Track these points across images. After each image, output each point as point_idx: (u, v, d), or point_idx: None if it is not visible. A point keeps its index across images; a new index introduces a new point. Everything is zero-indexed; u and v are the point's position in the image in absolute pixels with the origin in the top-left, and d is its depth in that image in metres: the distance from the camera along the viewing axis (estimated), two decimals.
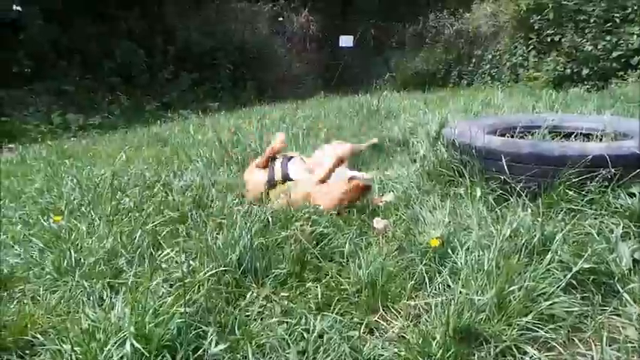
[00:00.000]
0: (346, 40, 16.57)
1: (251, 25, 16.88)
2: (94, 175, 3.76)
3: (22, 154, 5.35)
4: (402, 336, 1.55)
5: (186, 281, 1.72)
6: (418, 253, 2.01)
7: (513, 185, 2.53)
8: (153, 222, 2.39)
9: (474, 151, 2.78)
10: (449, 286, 1.74)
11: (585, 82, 9.66)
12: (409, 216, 2.45)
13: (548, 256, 1.73)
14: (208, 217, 2.45)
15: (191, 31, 15.29)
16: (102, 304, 1.80)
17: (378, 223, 2.31)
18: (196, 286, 1.75)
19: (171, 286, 1.81)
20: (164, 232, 2.29)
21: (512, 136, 3.16)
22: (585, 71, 9.92)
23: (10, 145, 9.28)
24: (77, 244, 2.26)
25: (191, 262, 2.01)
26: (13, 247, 2.36)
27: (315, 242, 2.08)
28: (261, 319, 1.67)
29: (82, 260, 2.10)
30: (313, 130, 4.79)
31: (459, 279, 1.71)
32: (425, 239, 2.13)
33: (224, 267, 1.87)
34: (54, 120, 11.71)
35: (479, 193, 2.44)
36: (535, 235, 1.91)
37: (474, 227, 2.23)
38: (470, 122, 3.42)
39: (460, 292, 1.61)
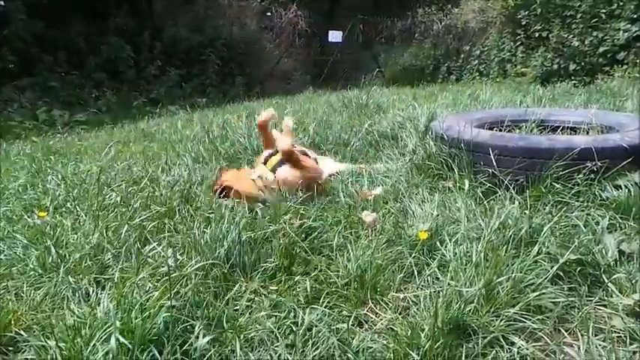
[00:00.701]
0: (335, 36, 16.56)
1: (239, 21, 16.78)
2: (79, 170, 3.71)
3: (6, 150, 5.26)
4: (391, 328, 1.55)
5: (173, 275, 1.70)
6: (407, 246, 2.01)
7: (501, 178, 2.54)
8: (140, 217, 2.36)
9: (462, 144, 2.79)
10: (437, 278, 1.74)
11: (572, 78, 9.73)
12: (398, 209, 2.45)
13: (536, 248, 1.74)
14: (196, 211, 2.43)
15: (179, 26, 15.15)
16: (88, 300, 1.78)
17: (367, 216, 2.31)
18: (184, 280, 1.74)
19: (158, 280, 1.79)
20: (151, 227, 2.26)
21: (500, 130, 3.17)
22: (572, 66, 10.01)
23: None
24: (62, 240, 2.23)
25: (178, 256, 1.99)
26: None
27: (303, 236, 2.07)
28: (250, 313, 1.66)
29: (68, 256, 2.07)
30: (302, 124, 4.77)
31: (447, 271, 1.72)
32: (414, 232, 2.14)
33: (212, 261, 1.85)
34: (39, 116, 11.56)
35: (467, 186, 2.45)
36: (523, 228, 1.92)
37: (462, 220, 2.24)
38: (458, 116, 3.43)
39: (449, 284, 1.61)
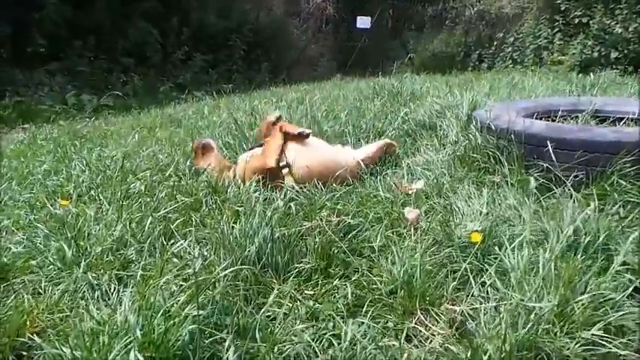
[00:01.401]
0: (363, 22, 16.17)
1: (266, 6, 16.54)
2: (104, 156, 3.60)
3: (34, 133, 5.22)
4: (447, 347, 1.36)
5: (200, 278, 1.54)
6: (457, 249, 1.80)
7: (558, 174, 2.30)
8: (165, 208, 2.21)
9: (512, 135, 2.55)
10: (497, 289, 1.53)
11: (614, 66, 9.23)
12: (442, 206, 2.24)
13: (620, 258, 1.50)
14: (224, 203, 2.27)
15: (206, 11, 15.02)
16: (108, 299, 1.64)
17: (410, 212, 2.11)
18: (211, 283, 1.58)
19: (184, 280, 1.63)
20: (176, 219, 2.11)
21: (553, 121, 2.91)
22: (614, 54, 9.50)
23: (24, 125, 9.22)
24: (84, 231, 2.10)
25: (205, 252, 1.83)
26: (15, 232, 2.21)
27: (342, 234, 1.88)
28: (284, 322, 1.48)
29: (89, 249, 1.94)
30: (332, 112, 4.56)
31: (508, 281, 1.50)
32: (462, 232, 1.93)
33: (241, 261, 1.68)
34: (68, 100, 11.65)
35: (533, 184, 2.19)
36: (594, 232, 1.68)
37: (516, 220, 2.02)
38: (504, 105, 3.17)
39: (513, 297, 1.40)
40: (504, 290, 1.46)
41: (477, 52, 13.84)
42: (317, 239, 1.80)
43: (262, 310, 1.50)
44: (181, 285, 1.54)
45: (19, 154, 4.04)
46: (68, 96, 11.95)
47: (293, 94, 6.92)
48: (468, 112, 3.26)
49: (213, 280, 1.59)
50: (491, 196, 2.30)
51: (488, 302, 1.45)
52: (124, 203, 2.35)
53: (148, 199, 2.36)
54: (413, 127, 3.59)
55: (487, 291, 1.53)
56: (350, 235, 1.87)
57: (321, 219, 1.89)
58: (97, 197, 2.55)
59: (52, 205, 2.38)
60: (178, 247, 1.88)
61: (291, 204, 2.05)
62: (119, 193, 2.46)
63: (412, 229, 2.04)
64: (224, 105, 6.78)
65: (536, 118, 2.97)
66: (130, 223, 2.09)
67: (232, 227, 1.88)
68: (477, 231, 1.85)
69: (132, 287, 1.64)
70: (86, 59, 13.34)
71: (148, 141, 4.39)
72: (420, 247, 1.79)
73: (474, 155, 2.69)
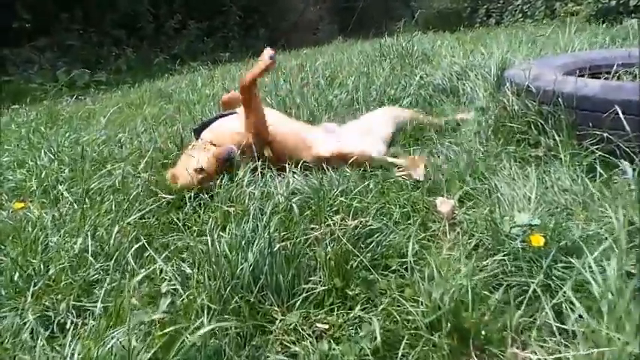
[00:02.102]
0: None
1: None
2: (82, 141, 3.17)
3: (12, 117, 4.78)
4: None
5: (176, 311, 1.14)
6: (511, 255, 1.38)
7: (621, 145, 1.86)
8: (140, 209, 1.80)
9: (559, 99, 2.09)
10: (579, 315, 1.11)
11: (634, 15, 8.56)
12: (480, 192, 1.81)
13: None
14: (212, 200, 1.85)
15: None
16: (64, 337, 1.25)
17: (443, 204, 1.68)
18: (193, 314, 1.18)
19: (151, 324, 1.23)
20: (153, 225, 1.70)
21: (602, 79, 2.43)
22: (634, 2, 8.79)
23: (14, 106, 8.77)
24: (40, 243, 1.70)
25: (187, 269, 1.43)
26: None
27: (360, 241, 1.46)
28: None
29: (42, 269, 1.54)
30: (337, 78, 4.08)
31: (598, 310, 1.08)
32: (512, 229, 1.51)
33: (232, 287, 1.28)
34: (59, 77, 11.17)
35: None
36: None
37: (577, 207, 1.60)
38: (542, 62, 2.68)
39: (611, 339, 0.99)
40: (594, 325, 1.04)
41: (485, 6, 13.08)
42: (329, 248, 1.38)
43: (258, 349, 1.11)
44: (149, 332, 1.14)
45: None
46: (59, 73, 11.47)
47: (293, 60, 6.40)
48: (497, 73, 2.78)
49: (194, 313, 1.19)
50: (539, 175, 1.87)
51: (573, 343, 1.04)
52: (94, 203, 1.94)
53: (122, 197, 1.94)
54: (431, 93, 3.12)
55: (565, 320, 1.11)
56: (371, 240, 1.45)
57: (333, 223, 1.46)
58: (62, 195, 2.14)
59: (3, 209, 1.97)
60: (152, 262, 1.47)
61: (294, 202, 1.61)
62: (86, 191, 2.05)
63: (447, 225, 1.62)
64: (219, 75, 6.29)
65: (579, 77, 2.49)
66: (95, 232, 1.68)
67: (220, 236, 1.46)
68: (534, 229, 1.43)
69: (85, 332, 1.24)
70: (75, 33, 12.76)
71: (134, 120, 3.95)
72: (461, 254, 1.37)
73: (511, 125, 2.24)
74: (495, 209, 1.66)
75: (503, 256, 1.37)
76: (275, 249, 1.37)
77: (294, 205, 1.56)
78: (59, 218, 1.85)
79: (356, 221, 1.44)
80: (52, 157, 2.66)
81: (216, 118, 2.34)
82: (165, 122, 3.61)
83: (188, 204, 1.84)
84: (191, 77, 6.83)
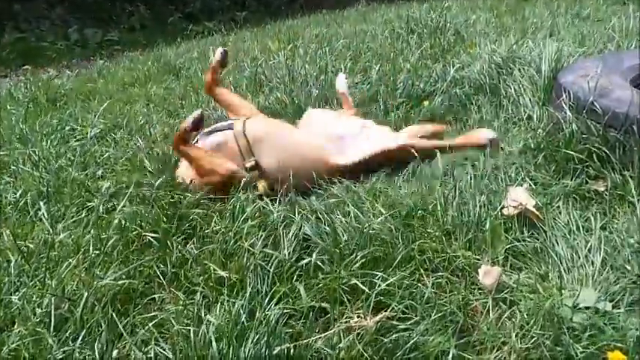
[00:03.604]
0: None
1: None
2: (75, 134, 2.88)
3: (9, 91, 4.47)
4: None
5: None
6: None
7: None
8: (119, 261, 1.51)
9: (634, 126, 1.70)
10: None
11: None
12: (533, 251, 1.47)
13: None
14: (200, 254, 1.54)
15: None
16: None
17: (486, 275, 1.35)
18: None
19: None
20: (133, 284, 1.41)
21: None
22: None
23: (25, 67, 8.52)
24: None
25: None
26: None
27: (384, 348, 1.13)
28: None
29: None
30: (358, 61, 3.66)
31: None
32: (577, 317, 1.18)
33: None
34: (70, 36, 10.88)
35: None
36: None
37: None
38: (603, 63, 2.22)
39: None
40: None
41: None
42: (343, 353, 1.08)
43: None
44: None
45: None
46: (70, 31, 11.18)
47: (312, 29, 5.92)
48: (549, 73, 2.35)
49: None
50: (604, 224, 1.52)
51: None
52: (64, 248, 1.64)
53: (100, 237, 1.63)
54: (467, 91, 2.71)
55: None
56: (394, 336, 1.13)
57: (350, 326, 1.14)
58: (40, 218, 1.86)
59: None
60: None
61: (303, 264, 1.27)
62: (67, 214, 1.76)
63: (490, 299, 1.30)
64: (232, 45, 5.87)
65: None
66: (63, 290, 1.40)
67: (205, 324, 1.16)
68: (602, 315, 1.10)
69: None
70: None
71: (137, 103, 3.63)
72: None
73: (567, 151, 1.85)
74: (550, 279, 1.34)
75: None
76: (275, 352, 1.06)
77: (301, 288, 1.23)
78: (33, 256, 1.57)
79: (378, 317, 1.13)
80: (35, 162, 2.37)
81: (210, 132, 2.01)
82: (168, 110, 3.29)
83: (175, 251, 1.53)
84: (203, 45, 6.41)
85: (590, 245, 1.42)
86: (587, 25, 4.24)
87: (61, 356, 1.21)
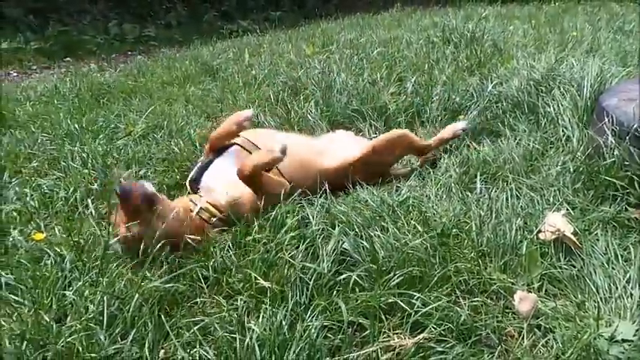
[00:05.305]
0: None
1: None
2: (118, 130, 2.98)
3: (56, 84, 4.65)
4: None
5: None
6: None
7: None
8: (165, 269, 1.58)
9: None
10: None
11: None
12: (569, 278, 1.48)
13: None
14: (245, 256, 1.60)
15: None
16: None
17: (522, 301, 1.37)
18: None
19: None
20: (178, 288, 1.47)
21: None
22: None
23: (66, 59, 8.84)
24: (56, 290, 1.52)
25: None
26: None
27: None
28: None
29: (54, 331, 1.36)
30: (393, 70, 3.67)
31: None
32: (613, 350, 1.19)
33: None
34: (110, 30, 11.22)
35: None
36: None
37: None
38: None
39: None
40: None
41: None
42: None
43: None
44: None
45: (27, 121, 3.46)
46: (110, 25, 11.55)
47: (346, 33, 5.94)
48: (591, 94, 2.34)
49: None
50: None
51: None
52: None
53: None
54: (504, 107, 2.71)
55: None
56: None
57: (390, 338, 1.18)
58: (87, 218, 1.95)
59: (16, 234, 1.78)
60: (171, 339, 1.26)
61: (342, 279, 1.31)
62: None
63: (526, 327, 1.32)
64: (267, 46, 5.95)
65: None
66: (113, 290, 1.48)
67: (248, 331, 1.22)
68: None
69: None
70: None
71: (176, 103, 3.73)
72: None
73: (606, 178, 1.85)
74: (587, 309, 1.35)
75: None
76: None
77: (341, 302, 1.28)
78: (76, 259, 1.66)
79: (416, 338, 1.16)
80: (85, 159, 2.48)
81: (210, 162, 2.05)
82: (206, 113, 3.38)
83: (216, 257, 1.60)
84: (239, 45, 6.51)
85: (630, 277, 1.42)
86: (630, 41, 4.16)
87: (111, 352, 1.29)
